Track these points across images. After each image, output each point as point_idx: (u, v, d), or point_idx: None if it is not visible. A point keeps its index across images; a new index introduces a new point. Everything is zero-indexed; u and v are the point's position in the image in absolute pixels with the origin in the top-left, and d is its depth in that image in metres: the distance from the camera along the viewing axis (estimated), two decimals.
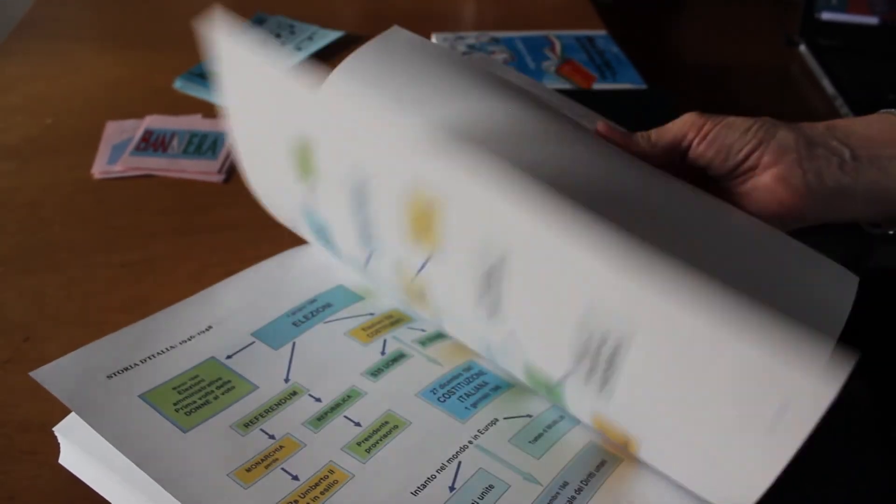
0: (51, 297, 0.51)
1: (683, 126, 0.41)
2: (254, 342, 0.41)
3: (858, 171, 0.39)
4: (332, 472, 0.35)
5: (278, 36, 0.81)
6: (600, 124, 0.44)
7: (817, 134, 0.40)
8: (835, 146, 0.39)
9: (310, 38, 0.81)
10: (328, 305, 0.44)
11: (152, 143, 0.65)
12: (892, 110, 0.41)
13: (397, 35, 0.45)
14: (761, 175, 0.40)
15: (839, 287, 0.37)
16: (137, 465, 0.33)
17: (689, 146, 0.41)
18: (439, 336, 0.43)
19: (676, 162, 0.42)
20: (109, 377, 0.37)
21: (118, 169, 0.62)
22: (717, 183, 0.43)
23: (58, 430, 0.36)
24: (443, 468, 0.35)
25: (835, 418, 0.41)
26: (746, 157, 0.40)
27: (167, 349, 0.40)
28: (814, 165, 0.39)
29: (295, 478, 0.34)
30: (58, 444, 0.37)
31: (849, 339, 0.35)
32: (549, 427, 0.38)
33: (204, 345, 0.40)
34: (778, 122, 0.40)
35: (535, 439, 0.37)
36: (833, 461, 0.40)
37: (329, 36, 0.81)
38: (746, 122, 0.40)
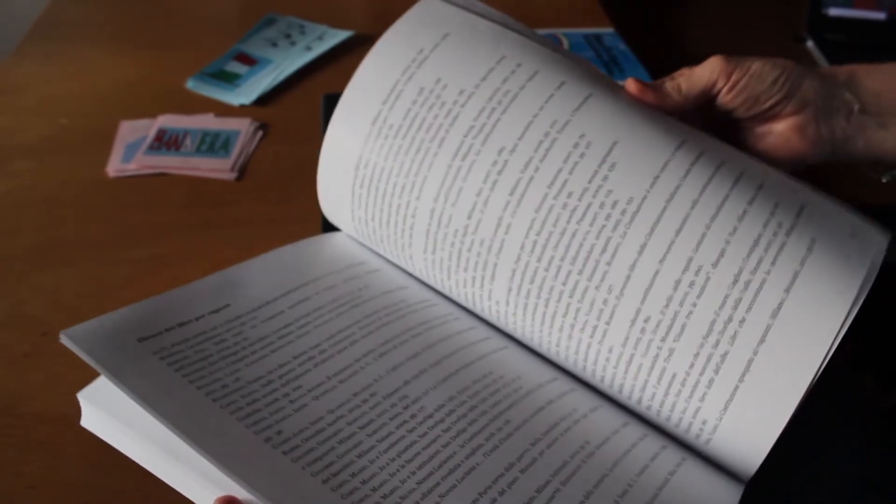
0: (67, 292, 0.52)
1: (713, 74, 0.42)
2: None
3: (862, 125, 0.42)
4: None
5: (288, 36, 0.82)
6: (630, 82, 0.44)
7: (836, 84, 0.43)
8: (848, 99, 0.42)
9: (320, 38, 0.82)
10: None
11: (165, 141, 0.65)
12: None
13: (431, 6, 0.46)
14: (779, 122, 0.42)
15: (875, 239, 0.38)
16: (169, 426, 0.32)
17: (718, 93, 0.43)
18: None
19: (704, 105, 0.44)
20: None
21: (132, 167, 0.63)
22: (734, 122, 0.44)
23: (81, 395, 0.36)
24: None
25: (838, 406, 0.42)
26: (771, 108, 0.42)
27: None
28: (828, 117, 0.42)
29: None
30: (75, 435, 0.38)
31: (854, 334, 0.35)
32: None
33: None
34: (804, 71, 0.42)
35: None
36: (834, 445, 0.40)
37: (338, 36, 0.82)
38: (774, 71, 0.42)
